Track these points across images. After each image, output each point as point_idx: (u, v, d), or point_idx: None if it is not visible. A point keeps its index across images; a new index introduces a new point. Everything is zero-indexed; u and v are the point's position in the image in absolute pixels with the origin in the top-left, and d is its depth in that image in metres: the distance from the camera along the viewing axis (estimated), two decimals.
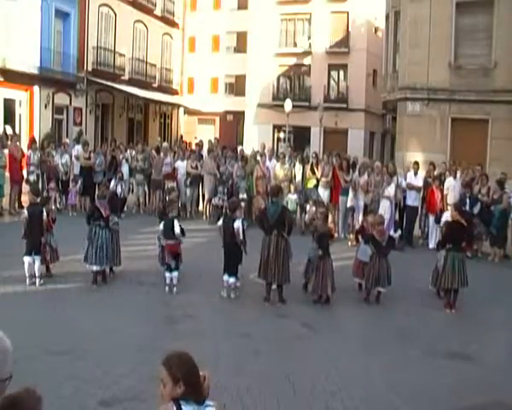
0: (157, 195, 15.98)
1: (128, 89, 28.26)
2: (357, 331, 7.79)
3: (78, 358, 6.15)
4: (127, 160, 16.19)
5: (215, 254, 9.47)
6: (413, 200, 13.79)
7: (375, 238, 8.93)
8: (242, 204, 12.12)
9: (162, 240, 8.95)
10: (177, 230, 8.71)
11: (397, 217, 13.68)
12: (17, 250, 8.98)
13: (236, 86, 41.29)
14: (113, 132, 28.73)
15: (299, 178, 14.82)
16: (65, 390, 5.35)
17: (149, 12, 31.42)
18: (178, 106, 35.91)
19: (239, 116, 39.50)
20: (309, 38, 35.79)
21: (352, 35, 34.83)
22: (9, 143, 16.02)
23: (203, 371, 2.68)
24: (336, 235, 12.32)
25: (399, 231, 11.50)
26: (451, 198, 13.05)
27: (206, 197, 15.82)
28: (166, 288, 8.77)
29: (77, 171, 15.84)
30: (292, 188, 14.42)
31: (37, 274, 8.70)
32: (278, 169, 14.93)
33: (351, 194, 13.82)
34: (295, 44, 36.33)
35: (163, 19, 33.13)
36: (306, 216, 13.91)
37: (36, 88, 23.14)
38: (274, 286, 8.63)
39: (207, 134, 32.71)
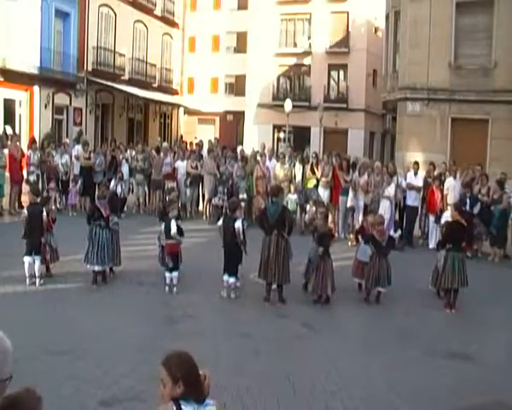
0: (157, 195, 15.98)
1: (128, 89, 28.26)
2: (357, 331, 7.79)
3: (78, 358, 6.15)
4: (127, 160, 16.19)
5: (215, 254, 9.47)
6: (413, 200, 13.79)
7: (375, 238, 8.93)
8: (242, 204, 12.12)
9: (162, 240, 8.95)
10: (173, 230, 8.71)
11: (397, 217, 13.68)
12: (17, 250, 8.98)
13: (236, 86, 41.30)
14: (113, 132, 28.73)
15: (299, 178, 14.82)
16: (65, 390, 5.35)
17: (149, 12, 31.42)
18: (178, 106, 35.92)
19: (239, 116, 39.50)
20: (309, 38, 35.79)
21: (352, 35, 34.84)
22: (9, 143, 16.03)
23: (203, 370, 2.68)
24: (336, 235, 12.32)
25: (399, 231, 11.51)
26: (451, 198, 13.05)
27: (206, 197, 15.82)
28: (166, 288, 8.77)
29: (77, 171, 15.84)
30: (292, 188, 14.42)
31: (37, 274, 8.70)
32: (278, 169, 14.93)
33: (351, 194, 13.82)
34: (295, 44, 36.34)
35: (163, 19, 33.14)
36: (306, 216, 13.92)
37: (36, 88, 23.14)
38: (274, 286, 8.63)
39: (207, 134, 32.70)
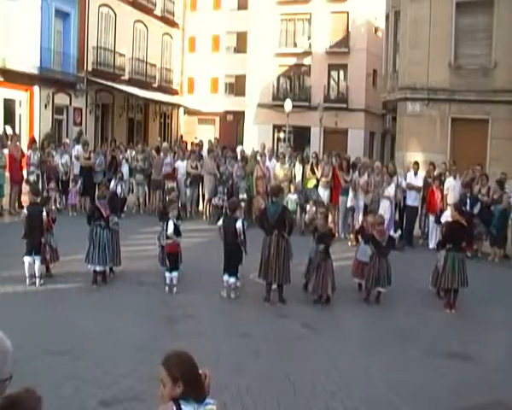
0: (157, 195, 15.98)
1: (128, 89, 28.26)
2: (357, 331, 7.79)
3: (78, 358, 6.15)
4: (127, 160, 16.19)
5: (215, 254, 9.47)
6: (413, 200, 13.79)
7: (375, 238, 8.93)
8: (242, 204, 12.12)
9: (162, 240, 8.95)
10: (169, 230, 8.72)
11: (397, 217, 13.68)
12: (17, 250, 8.98)
13: (236, 86, 41.30)
14: (113, 132, 28.73)
15: (299, 178, 14.82)
16: (65, 390, 5.35)
17: (149, 12, 31.42)
18: (178, 106, 35.92)
19: (239, 116, 39.50)
20: (309, 38, 35.79)
21: (352, 35, 34.83)
22: (9, 143, 16.03)
23: (203, 370, 2.68)
24: (336, 235, 12.32)
25: (399, 231, 11.51)
26: (451, 198, 13.05)
27: (206, 197, 15.82)
28: (166, 288, 8.77)
29: (77, 171, 15.84)
30: (292, 188, 14.42)
31: (37, 274, 8.70)
32: (278, 169, 14.93)
33: (351, 194, 13.82)
34: (295, 44, 36.34)
35: (163, 19, 33.14)
36: (306, 216, 13.92)
37: (36, 88, 23.14)
38: (274, 286, 8.63)
39: (207, 134, 32.70)
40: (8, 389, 2.28)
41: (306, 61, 36.13)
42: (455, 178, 13.73)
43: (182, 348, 2.72)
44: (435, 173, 14.25)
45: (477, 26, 19.92)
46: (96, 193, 11.11)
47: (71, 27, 25.33)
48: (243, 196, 14.58)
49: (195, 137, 28.90)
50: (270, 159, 15.77)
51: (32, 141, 16.44)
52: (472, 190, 13.02)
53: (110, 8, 27.94)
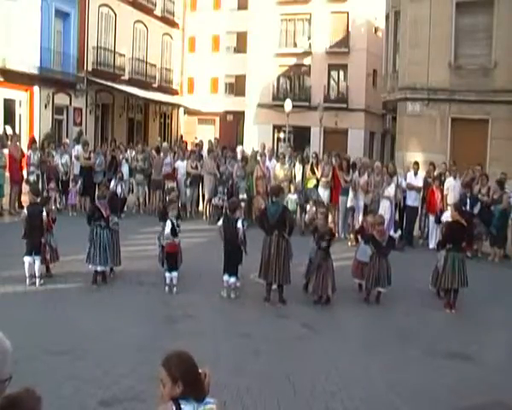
0: (157, 195, 15.98)
1: (128, 89, 28.26)
2: (357, 331, 7.79)
3: (78, 358, 6.15)
4: (127, 160, 16.19)
5: (215, 254, 9.47)
6: (413, 200, 13.79)
7: (375, 238, 8.93)
8: (242, 204, 12.13)
9: (162, 240, 8.95)
10: (166, 230, 8.72)
11: (397, 217, 13.68)
12: (17, 250, 8.98)
13: (236, 86, 41.30)
14: (113, 132, 28.73)
15: (299, 178, 14.82)
16: (65, 390, 5.35)
17: (149, 12, 31.42)
18: (178, 106, 35.91)
19: (239, 116, 39.50)
20: (309, 38, 35.79)
21: (352, 35, 34.83)
22: (9, 143, 16.02)
23: (203, 369, 2.68)
24: (336, 235, 12.31)
25: (399, 232, 11.51)
26: (451, 198, 13.05)
27: (206, 197, 15.82)
28: (166, 288, 8.77)
29: (77, 171, 15.84)
30: (292, 188, 14.42)
31: (37, 274, 8.70)
32: (278, 169, 14.93)
33: (351, 194, 13.82)
34: (295, 44, 36.34)
35: (163, 19, 33.13)
36: (306, 216, 13.92)
37: (36, 88, 23.14)
38: (274, 286, 8.63)
39: (207, 134, 32.72)
40: (8, 389, 2.28)
41: (306, 61, 36.13)
42: (455, 178, 13.73)
43: (182, 348, 2.72)
44: (435, 173, 14.25)
45: (477, 26, 19.92)
46: (96, 193, 11.11)
47: (71, 27, 25.33)
48: (243, 196, 14.58)
49: (195, 138, 28.92)
50: (270, 159, 15.77)
51: (32, 141, 16.44)
52: (472, 190, 13.02)
53: (110, 8, 27.94)
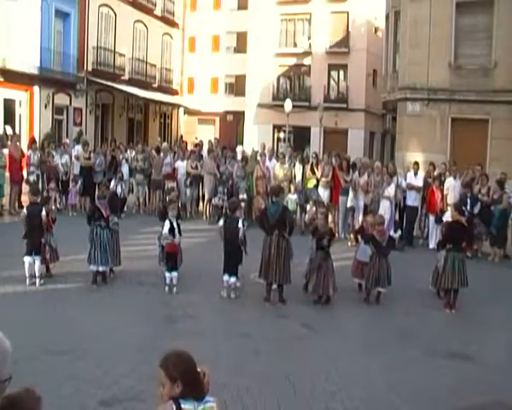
0: (157, 195, 15.99)
1: (128, 89, 28.26)
2: (357, 331, 7.79)
3: (78, 358, 6.15)
4: (127, 160, 16.19)
5: (215, 254, 9.47)
6: (413, 200, 13.79)
7: (375, 238, 8.93)
8: (242, 204, 12.13)
9: (162, 240, 8.95)
10: (164, 230, 8.72)
11: (397, 217, 13.68)
12: (17, 250, 8.98)
13: (236, 86, 41.30)
14: (113, 132, 28.73)
15: (299, 178, 14.82)
16: (65, 390, 5.35)
17: (149, 12, 31.42)
18: (178, 106, 35.92)
19: (239, 116, 39.50)
20: (309, 38, 35.78)
21: (352, 35, 34.83)
22: (9, 143, 16.02)
23: (202, 368, 2.68)
24: (336, 235, 12.32)
25: (399, 232, 11.51)
26: (451, 198, 13.05)
27: (206, 197, 15.82)
28: (166, 288, 8.77)
29: (77, 171, 15.83)
30: (292, 188, 14.42)
31: (37, 274, 8.70)
32: (278, 169, 14.93)
33: (351, 194, 13.83)
34: (295, 44, 36.33)
35: (163, 19, 33.14)
36: (306, 216, 13.92)
37: (36, 88, 23.14)
38: (274, 286, 8.63)
39: (207, 134, 32.72)
40: (8, 389, 2.28)
41: (306, 61, 36.13)
42: (455, 178, 13.73)
43: (182, 348, 2.72)
44: (435, 173, 14.25)
45: (477, 26, 19.91)
46: (96, 193, 11.11)
47: (71, 27, 25.33)
48: (243, 196, 14.58)
49: (195, 138, 28.92)
50: (270, 159, 15.77)
51: (32, 141, 16.44)
52: (472, 190, 13.02)
53: (110, 8, 27.94)
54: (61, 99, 25.08)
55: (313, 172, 14.70)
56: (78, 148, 16.39)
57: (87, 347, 6.44)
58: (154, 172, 15.99)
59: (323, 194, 14.33)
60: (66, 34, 25.22)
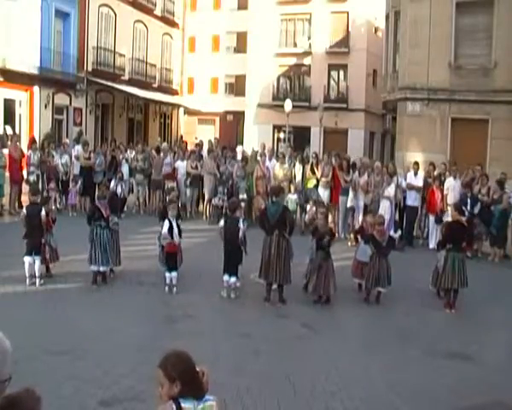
0: (157, 195, 15.99)
1: (128, 89, 28.27)
2: (357, 331, 7.79)
3: (78, 358, 6.15)
4: (127, 160, 16.19)
5: (215, 254, 9.46)
6: (413, 200, 13.79)
7: (375, 238, 8.93)
8: (242, 204, 12.12)
9: (162, 240, 8.94)
10: (163, 230, 8.73)
11: (397, 217, 13.68)
12: (17, 250, 8.98)
13: (236, 86, 41.30)
14: (113, 132, 28.73)
15: (299, 178, 14.82)
16: (65, 390, 5.35)
17: (149, 12, 31.42)
18: (178, 106, 35.92)
19: (239, 116, 39.50)
20: (309, 38, 35.79)
21: (352, 35, 34.83)
22: (9, 143, 16.02)
23: (201, 367, 2.68)
24: (336, 235, 12.31)
25: (399, 232, 11.51)
26: (451, 198, 13.05)
27: (206, 197, 15.81)
28: (166, 288, 8.77)
29: (77, 171, 15.83)
30: (292, 188, 14.42)
31: (37, 274, 8.70)
32: (278, 169, 14.93)
33: (351, 194, 13.82)
34: (295, 44, 36.33)
35: (163, 19, 33.14)
36: (306, 216, 13.92)
37: (36, 88, 23.15)
38: (274, 286, 8.63)
39: (207, 134, 32.70)
40: (8, 389, 2.28)
41: (306, 61, 36.13)
42: (455, 178, 13.73)
43: (182, 348, 2.72)
44: (435, 173, 14.26)
45: (477, 26, 19.91)
46: (96, 193, 11.11)
47: (71, 27, 25.34)
48: (243, 196, 14.59)
49: (195, 138, 28.91)
50: (270, 159, 15.77)
51: (32, 141, 16.44)
52: (472, 190, 13.02)
53: (110, 8, 27.94)
54: (61, 99, 25.08)
55: (313, 172, 14.70)
56: (78, 148, 16.39)
57: (87, 347, 6.44)
58: (154, 172, 15.99)
59: (323, 194, 14.33)
60: (66, 34, 25.23)
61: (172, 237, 8.76)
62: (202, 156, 16.49)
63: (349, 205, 13.91)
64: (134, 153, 16.59)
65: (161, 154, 16.30)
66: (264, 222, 8.68)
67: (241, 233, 8.55)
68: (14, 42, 21.10)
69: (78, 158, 15.95)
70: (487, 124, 19.84)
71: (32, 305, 7.95)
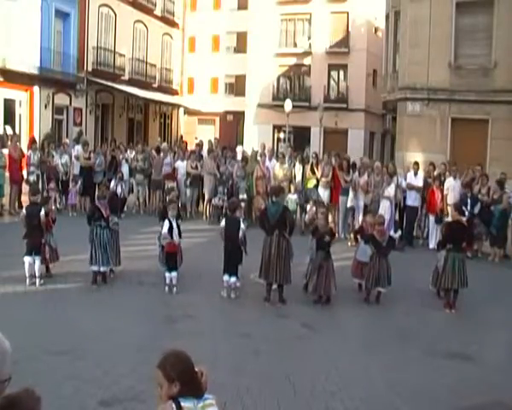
0: (157, 195, 15.99)
1: (128, 89, 28.27)
2: (357, 331, 7.79)
3: (78, 358, 6.15)
4: (127, 160, 16.19)
5: (215, 254, 9.46)
6: (413, 200, 13.79)
7: (375, 238, 8.93)
8: (242, 204, 12.13)
9: (162, 240, 8.95)
10: (164, 230, 8.73)
11: (397, 217, 13.68)
12: (17, 250, 8.98)
13: (236, 86, 41.30)
14: (113, 132, 28.74)
15: (299, 178, 14.82)
16: (65, 390, 5.35)
17: (149, 12, 31.43)
18: (178, 106, 35.92)
19: (239, 116, 39.50)
20: (309, 38, 35.79)
21: (352, 35, 34.83)
22: (9, 143, 16.02)
23: (200, 368, 2.69)
24: (336, 235, 12.31)
25: (399, 232, 11.51)
26: (451, 198, 13.05)
27: (206, 197, 15.81)
28: (166, 288, 8.77)
29: (77, 171, 15.82)
30: (292, 188, 14.42)
31: (37, 274, 8.70)
32: (278, 169, 14.93)
33: (351, 194, 13.82)
34: (295, 44, 36.34)
35: (163, 19, 33.15)
36: (306, 216, 13.91)
37: (36, 88, 23.15)
38: (274, 286, 8.63)
39: (207, 134, 32.71)
40: (7, 389, 2.28)
41: (306, 61, 36.13)
42: (455, 178, 13.73)
43: (181, 348, 2.72)
44: (435, 173, 14.26)
45: (477, 26, 19.92)
46: (96, 193, 11.11)
47: (71, 27, 25.34)
48: (243, 196, 14.59)
49: (196, 138, 28.91)
50: (270, 159, 15.77)
51: (32, 141, 16.44)
52: (472, 190, 13.02)
53: (110, 8, 27.94)
54: (61, 99, 25.09)
55: (313, 172, 14.70)
56: (78, 148, 16.38)
57: (87, 347, 6.44)
58: (154, 172, 15.99)
59: (323, 194, 14.33)
60: (66, 34, 25.23)
61: (172, 237, 8.76)
62: (202, 156, 16.49)
63: (349, 205, 13.91)
64: (134, 153, 16.59)
65: (161, 154, 16.30)
66: (264, 222, 8.68)
67: (241, 233, 8.55)
68: (14, 42, 21.10)
69: (78, 158, 15.94)
70: (487, 124, 19.84)
71: (32, 305, 7.94)
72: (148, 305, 8.33)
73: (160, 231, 9.08)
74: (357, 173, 14.05)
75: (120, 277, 9.55)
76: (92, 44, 26.56)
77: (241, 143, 32.18)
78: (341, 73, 35.98)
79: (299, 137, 34.31)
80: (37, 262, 8.70)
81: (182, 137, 28.34)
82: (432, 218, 13.47)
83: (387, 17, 24.76)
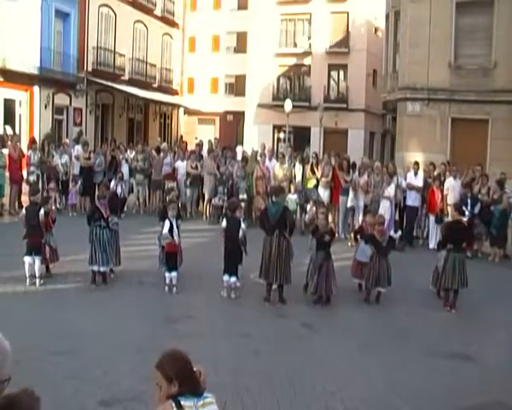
0: (157, 195, 15.99)
1: (128, 89, 28.26)
2: (357, 331, 7.78)
3: (78, 358, 6.15)
4: (127, 160, 16.19)
5: (215, 254, 9.46)
6: (413, 200, 13.79)
7: (375, 238, 8.93)
8: (242, 204, 12.12)
9: (162, 240, 8.95)
10: (164, 230, 8.73)
11: (397, 217, 13.68)
12: (17, 250, 8.98)
13: (236, 86, 41.30)
14: (113, 132, 28.74)
15: (299, 178, 14.82)
16: (65, 390, 5.35)
17: (149, 12, 31.43)
18: (178, 106, 35.92)
19: (239, 116, 39.50)
20: (309, 38, 35.79)
21: (352, 35, 34.83)
22: (9, 143, 16.02)
23: (198, 367, 2.69)
24: (336, 235, 12.31)
25: (400, 232, 11.51)
26: (451, 198, 13.05)
27: (206, 197, 15.81)
28: (166, 288, 8.77)
29: (77, 171, 15.81)
30: (292, 188, 14.42)
31: (37, 274, 8.70)
32: (278, 169, 14.93)
33: (351, 194, 13.82)
34: (295, 45, 36.34)
35: (163, 19, 33.14)
36: (306, 216, 13.91)
37: (36, 88, 23.15)
38: (274, 286, 8.63)
39: (207, 134, 32.70)
40: (7, 389, 2.28)
41: (306, 61, 36.13)
42: (455, 178, 13.73)
43: (181, 348, 2.72)
44: (435, 173, 14.26)
45: (477, 26, 19.92)
46: (96, 193, 11.11)
47: (71, 27, 25.34)
48: (243, 196, 14.59)
49: (196, 138, 28.90)
50: (270, 159, 15.77)
51: (32, 141, 16.43)
52: (472, 190, 13.03)
53: (110, 8, 27.94)
54: (61, 99, 25.08)
55: (313, 173, 14.70)
56: (78, 148, 16.38)
57: (87, 347, 6.44)
58: (154, 173, 16.00)
59: (323, 194, 14.33)
60: (66, 34, 25.23)
61: (173, 237, 8.76)
62: (202, 156, 16.49)
63: (349, 205, 13.91)
64: (134, 153, 16.59)
65: (161, 154, 16.30)
66: (264, 222, 8.68)
67: (241, 233, 8.55)
68: (14, 42, 21.09)
69: (78, 158, 15.93)
70: (487, 124, 19.85)
71: (32, 305, 7.95)
72: (148, 305, 8.32)
73: (160, 231, 9.08)
74: (357, 173, 14.05)
75: (120, 277, 9.55)
76: (92, 44, 26.56)
77: (241, 143, 32.18)
78: (341, 73, 35.98)
79: (299, 138, 34.31)
80: (37, 262, 8.70)
81: (182, 137, 28.33)
82: (432, 218, 13.47)
83: (387, 17, 24.76)
